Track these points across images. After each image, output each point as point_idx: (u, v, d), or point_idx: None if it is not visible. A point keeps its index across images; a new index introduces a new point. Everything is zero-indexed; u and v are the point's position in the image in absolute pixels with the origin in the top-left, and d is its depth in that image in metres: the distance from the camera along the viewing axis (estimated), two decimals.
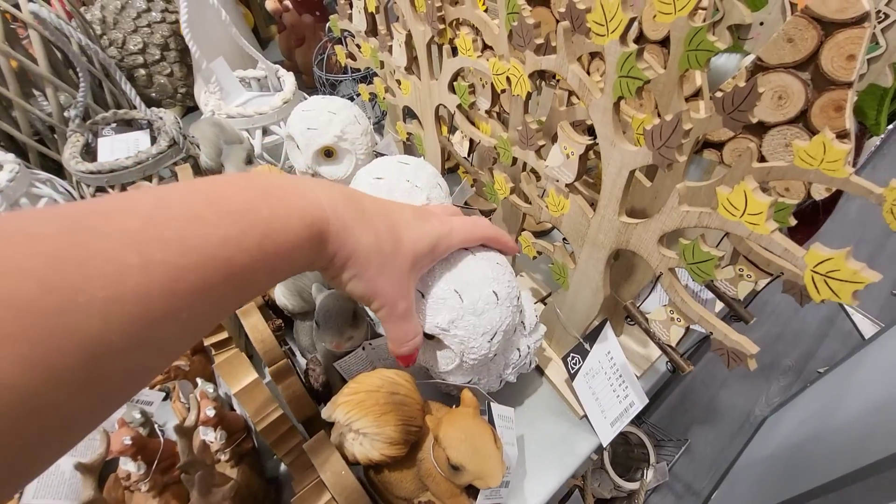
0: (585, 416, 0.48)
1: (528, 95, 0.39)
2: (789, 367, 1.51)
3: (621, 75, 0.29)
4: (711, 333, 0.31)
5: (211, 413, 0.39)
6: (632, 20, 0.27)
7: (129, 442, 0.38)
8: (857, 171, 0.27)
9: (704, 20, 0.32)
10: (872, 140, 0.62)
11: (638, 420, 1.38)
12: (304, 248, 0.24)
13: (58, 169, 0.78)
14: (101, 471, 0.45)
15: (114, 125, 0.71)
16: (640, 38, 0.42)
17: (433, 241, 0.32)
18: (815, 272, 0.23)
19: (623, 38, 0.28)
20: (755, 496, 1.05)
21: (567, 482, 0.49)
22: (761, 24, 0.42)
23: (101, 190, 0.65)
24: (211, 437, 0.40)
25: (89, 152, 0.69)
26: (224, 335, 0.48)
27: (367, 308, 0.33)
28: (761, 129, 0.37)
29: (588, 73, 0.50)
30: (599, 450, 0.53)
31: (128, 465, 0.39)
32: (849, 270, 0.21)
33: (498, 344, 0.37)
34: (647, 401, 0.44)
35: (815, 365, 1.48)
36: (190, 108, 1.06)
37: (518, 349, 0.42)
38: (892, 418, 0.68)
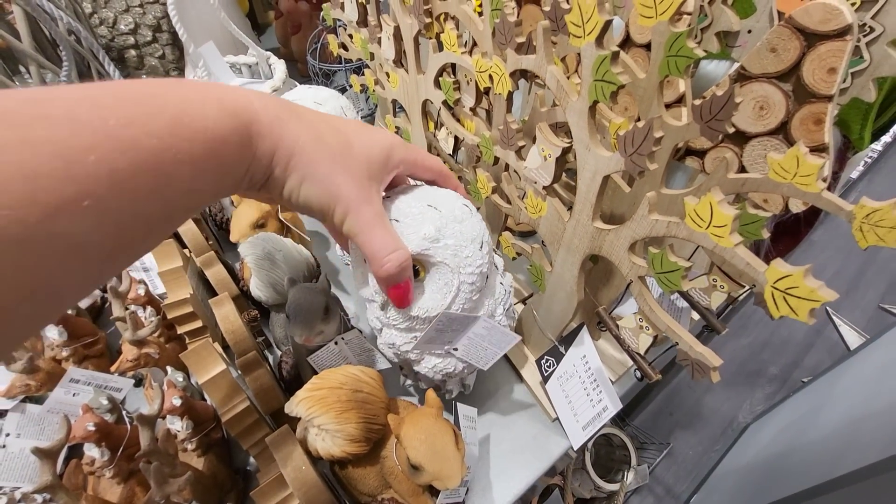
0: (558, 418, 0.48)
1: (510, 94, 0.39)
2: (775, 375, 1.52)
3: (596, 79, 0.28)
4: (677, 343, 0.30)
5: (177, 402, 0.39)
6: (607, 22, 0.27)
7: (93, 428, 0.37)
8: (852, 184, 0.27)
9: (689, 25, 0.32)
10: (868, 152, 0.61)
11: (621, 422, 1.39)
12: (230, 141, 0.20)
13: None
14: (69, 456, 0.45)
15: None
16: (627, 41, 0.41)
17: (386, 149, 0.28)
18: (774, 288, 0.23)
19: (599, 41, 0.28)
20: (732, 502, 1.05)
21: (540, 480, 0.49)
22: (749, 31, 0.41)
23: None
24: (178, 426, 0.40)
25: None
26: (199, 324, 0.48)
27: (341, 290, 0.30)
28: (742, 139, 0.37)
29: (578, 73, 0.50)
30: (581, 450, 0.53)
31: (92, 451, 0.39)
32: (806, 288, 0.21)
33: (487, 256, 0.34)
34: (620, 406, 0.44)
35: (801, 374, 1.49)
36: None
37: (502, 283, 0.40)
38: (867, 431, 0.69)
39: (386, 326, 0.36)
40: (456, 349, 0.37)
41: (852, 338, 1.52)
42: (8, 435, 0.42)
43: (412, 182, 0.36)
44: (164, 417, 0.41)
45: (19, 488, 0.41)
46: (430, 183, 0.35)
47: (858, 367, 0.99)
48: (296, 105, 0.26)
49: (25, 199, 0.14)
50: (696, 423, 1.43)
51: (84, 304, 0.55)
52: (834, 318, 1.58)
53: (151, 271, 0.55)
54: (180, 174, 0.18)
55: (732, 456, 1.26)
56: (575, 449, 0.47)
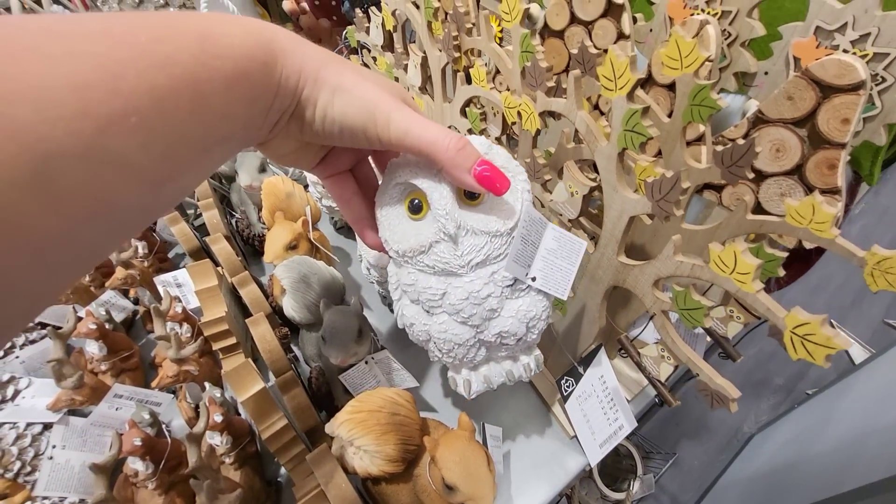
0: (576, 436, 0.50)
1: (538, 131, 0.41)
2: (780, 386, 1.53)
3: (626, 129, 0.31)
4: (697, 375, 0.32)
5: (219, 419, 0.41)
6: (639, 80, 0.29)
7: (139, 443, 0.40)
8: (848, 210, 0.28)
9: (710, 72, 0.34)
10: None
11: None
12: (256, 58, 0.20)
13: None
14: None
15: None
16: (649, 80, 0.43)
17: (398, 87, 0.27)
18: (793, 333, 0.25)
19: (630, 95, 0.30)
20: None
21: (556, 495, 0.51)
22: (766, 73, 0.43)
23: None
24: (217, 440, 0.42)
25: None
26: (233, 340, 0.50)
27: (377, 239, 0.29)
28: (760, 177, 0.39)
29: (597, 106, 0.52)
30: (588, 465, 0.55)
31: (136, 465, 0.41)
32: (823, 336, 0.23)
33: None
34: (635, 424, 0.45)
35: (805, 386, 1.51)
36: None
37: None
38: (873, 447, 0.70)
39: (461, 282, 0.31)
40: (534, 278, 0.33)
41: (857, 351, 1.53)
42: (55, 447, 0.44)
43: None
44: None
45: (66, 498, 0.43)
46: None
47: (864, 382, 1.01)
48: None
49: (78, 111, 0.14)
50: (701, 433, 1.45)
51: (119, 317, 0.57)
52: (839, 331, 1.59)
53: (184, 286, 0.58)
54: (215, 93, 0.18)
55: (737, 466, 1.27)
56: (592, 466, 0.49)
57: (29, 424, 0.45)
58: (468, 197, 0.29)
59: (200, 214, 0.73)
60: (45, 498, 0.42)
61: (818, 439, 0.93)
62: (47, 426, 0.46)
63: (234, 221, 0.69)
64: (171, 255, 0.71)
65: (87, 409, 0.48)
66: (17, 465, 0.42)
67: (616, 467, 1.27)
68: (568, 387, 0.50)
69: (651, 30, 0.50)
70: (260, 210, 0.66)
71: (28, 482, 0.44)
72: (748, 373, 1.53)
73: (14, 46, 0.14)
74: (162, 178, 0.17)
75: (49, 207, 0.14)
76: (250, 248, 0.71)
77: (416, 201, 0.29)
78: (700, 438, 1.44)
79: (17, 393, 0.48)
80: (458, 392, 0.37)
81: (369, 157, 0.30)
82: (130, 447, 0.39)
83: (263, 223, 0.66)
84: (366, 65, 0.71)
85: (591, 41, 0.47)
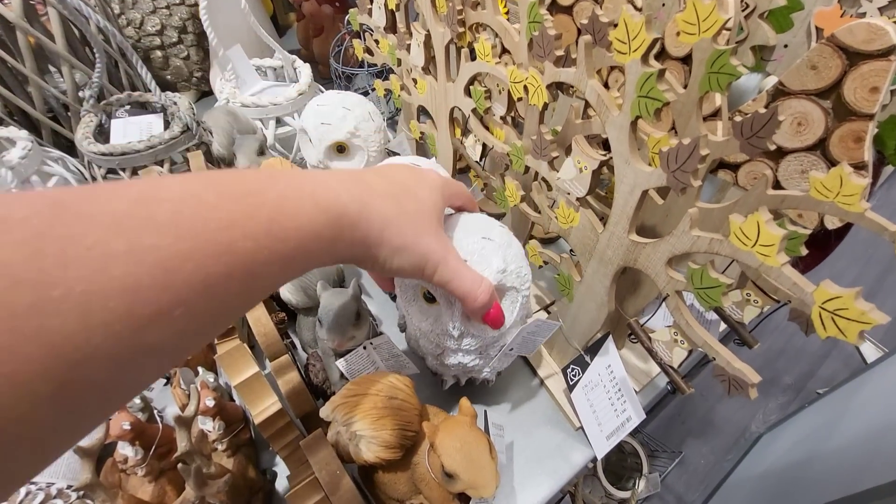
0: (581, 427, 0.48)
1: (545, 106, 0.39)
2: (789, 385, 1.50)
3: (640, 95, 0.29)
4: (714, 359, 0.30)
5: (210, 403, 0.40)
6: (655, 40, 0.27)
7: (129, 427, 0.38)
8: (872, 192, 0.27)
9: (728, 41, 0.32)
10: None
11: (634, 430, 1.38)
12: (323, 236, 0.21)
13: (70, 147, 0.78)
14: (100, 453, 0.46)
15: (127, 107, 0.71)
16: (662, 54, 0.41)
17: (439, 189, 0.31)
18: (822, 308, 0.23)
19: (645, 58, 0.28)
20: None
21: (560, 490, 0.49)
22: (785, 46, 0.41)
23: (112, 172, 0.66)
24: (209, 426, 0.40)
25: (102, 133, 0.70)
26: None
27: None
28: (778, 154, 0.37)
29: (606, 84, 0.50)
30: (593, 459, 0.53)
31: (125, 450, 0.39)
32: (857, 311, 0.21)
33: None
34: (644, 416, 0.44)
35: (815, 385, 1.48)
36: (205, 93, 1.06)
37: None
38: (887, 447, 0.68)
39: (454, 353, 0.40)
40: (511, 349, 0.41)
41: (869, 349, 1.50)
42: None
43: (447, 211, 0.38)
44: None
45: (53, 484, 0.42)
46: (458, 209, 0.37)
47: (877, 381, 0.98)
48: (363, 176, 0.27)
49: (123, 313, 0.13)
50: (708, 431, 1.42)
51: None
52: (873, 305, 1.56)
53: None
54: (269, 273, 0.19)
55: (745, 467, 1.25)
56: (599, 459, 0.47)
57: None
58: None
59: None
60: (31, 483, 0.41)
61: (830, 437, 0.91)
62: None
63: None
64: None
65: None
66: None
67: (621, 465, 1.24)
68: (574, 376, 0.48)
69: (664, 4, 0.47)
70: None
71: None
72: (756, 370, 1.50)
73: (71, 247, 0.13)
74: (185, 354, 0.17)
75: (65, 414, 0.13)
76: None
77: (429, 294, 0.38)
78: (706, 437, 1.41)
79: None
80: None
81: None
82: (119, 431, 0.38)
83: None
84: (368, 49, 0.69)
85: (608, 18, 0.45)
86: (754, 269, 0.26)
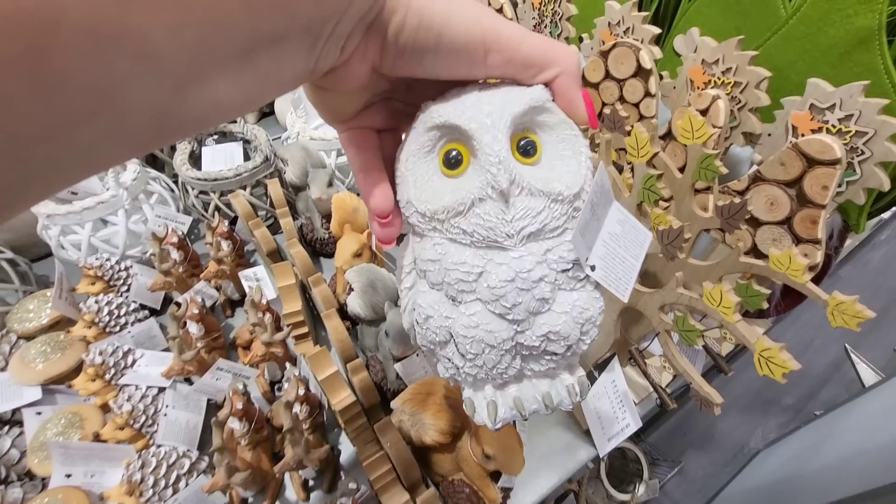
0: (588, 430, 0.59)
1: None
2: (789, 405, 1.57)
3: (644, 188, 0.39)
4: (691, 383, 0.41)
5: (301, 392, 0.51)
6: (656, 153, 0.38)
7: (241, 406, 0.50)
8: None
9: (718, 140, 0.42)
10: None
11: (636, 438, 1.47)
12: None
13: (151, 161, 0.91)
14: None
15: (215, 136, 0.84)
16: (669, 134, 0.52)
17: None
18: (760, 355, 0.33)
19: (649, 163, 0.38)
20: None
21: (564, 483, 0.60)
22: (769, 134, 0.51)
23: (203, 192, 0.78)
24: (298, 409, 0.52)
25: (192, 157, 0.82)
26: (305, 329, 0.61)
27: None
28: (757, 223, 0.47)
29: (620, 168, 0.60)
30: (597, 460, 0.64)
31: (234, 424, 0.51)
32: (780, 359, 0.32)
33: None
34: (640, 424, 0.54)
35: (815, 406, 1.55)
36: (264, 114, 1.19)
37: None
38: (863, 464, 0.77)
39: (500, 249, 0.22)
40: (594, 267, 0.25)
41: (868, 375, 1.56)
42: (167, 406, 0.55)
43: None
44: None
45: (176, 448, 0.54)
46: None
47: (867, 404, 1.06)
48: None
49: None
50: (708, 445, 1.51)
51: (208, 304, 0.69)
52: (852, 355, 1.62)
53: (261, 281, 0.68)
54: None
55: (741, 480, 1.33)
56: (602, 456, 0.58)
57: (148, 387, 0.56)
58: (521, 153, 0.22)
59: (269, 217, 0.84)
60: (159, 446, 0.53)
61: (817, 456, 0.99)
62: (161, 389, 0.57)
63: (299, 225, 0.79)
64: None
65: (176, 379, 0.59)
66: (143, 418, 0.54)
67: (623, 470, 1.34)
68: None
69: (675, 87, 0.57)
70: (323, 218, 0.76)
71: (148, 433, 0.55)
72: (758, 391, 1.58)
73: None
74: (189, 75, 0.14)
75: (40, 95, 0.11)
76: (310, 249, 0.81)
77: (455, 153, 0.22)
78: (706, 450, 1.49)
79: (134, 361, 0.59)
80: (476, 420, 0.26)
81: (403, 135, 0.24)
82: (235, 409, 0.50)
83: (325, 230, 0.77)
84: None
85: (622, 95, 0.55)
86: (720, 321, 0.37)
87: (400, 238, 0.26)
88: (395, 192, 0.23)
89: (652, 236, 0.30)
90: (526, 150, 0.22)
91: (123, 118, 0.13)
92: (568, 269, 0.23)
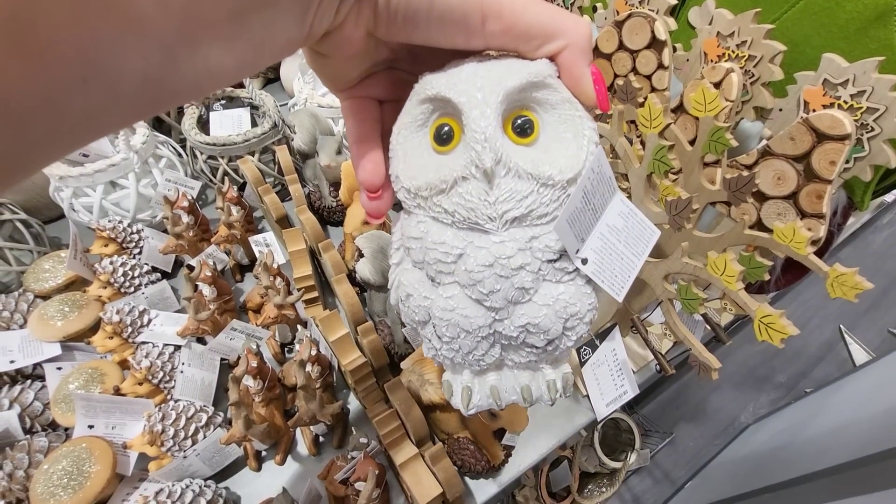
0: (587, 395, 0.61)
1: None
2: (781, 382, 1.61)
3: (655, 158, 0.40)
4: (690, 349, 0.42)
5: (314, 352, 0.53)
6: (668, 124, 0.38)
7: (255, 364, 0.52)
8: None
9: (730, 114, 0.42)
10: None
11: (630, 409, 1.52)
12: None
13: (158, 125, 0.91)
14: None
15: (223, 101, 0.83)
16: (681, 107, 0.52)
17: None
18: (760, 321, 0.35)
19: (661, 134, 0.39)
20: (723, 489, 1.18)
21: (558, 449, 0.63)
22: (780, 109, 0.51)
23: (212, 158, 0.79)
24: (310, 368, 0.54)
25: (200, 122, 0.82)
26: (315, 293, 0.63)
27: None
28: (763, 197, 0.47)
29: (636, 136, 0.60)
30: (592, 426, 0.66)
31: (248, 381, 0.54)
32: (780, 325, 0.33)
33: None
34: (638, 391, 0.56)
35: (806, 384, 1.59)
36: (269, 80, 1.17)
37: None
38: (848, 437, 0.80)
39: (481, 231, 0.21)
40: (585, 260, 0.23)
41: (860, 355, 1.60)
42: (184, 364, 0.57)
43: None
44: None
45: (193, 403, 0.56)
46: None
47: (856, 382, 1.09)
48: None
49: None
50: (699, 418, 1.55)
51: (219, 268, 0.70)
52: (846, 335, 1.65)
53: (271, 246, 0.70)
54: None
55: (730, 451, 1.38)
56: (598, 420, 0.60)
57: (165, 345, 0.58)
58: (517, 132, 0.21)
59: (277, 184, 0.85)
60: (177, 400, 0.56)
61: (804, 430, 1.03)
62: (177, 348, 0.59)
63: (307, 193, 0.80)
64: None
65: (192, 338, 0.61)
66: (161, 374, 0.56)
67: (616, 440, 1.39)
68: (585, 355, 0.60)
69: (688, 59, 0.57)
70: (331, 186, 0.77)
71: (165, 388, 0.57)
72: (752, 368, 1.61)
73: None
74: (178, 42, 0.14)
75: (28, 64, 0.11)
76: (318, 216, 0.82)
77: (447, 129, 0.21)
78: (698, 423, 1.54)
79: (149, 321, 0.61)
80: (452, 402, 0.25)
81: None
82: (249, 368, 0.52)
83: (333, 197, 0.77)
84: None
85: (635, 66, 0.55)
86: (722, 290, 0.38)
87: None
88: (388, 166, 0.23)
89: (659, 234, 0.28)
90: (523, 129, 0.21)
91: (115, 86, 0.13)
92: (555, 260, 0.22)
